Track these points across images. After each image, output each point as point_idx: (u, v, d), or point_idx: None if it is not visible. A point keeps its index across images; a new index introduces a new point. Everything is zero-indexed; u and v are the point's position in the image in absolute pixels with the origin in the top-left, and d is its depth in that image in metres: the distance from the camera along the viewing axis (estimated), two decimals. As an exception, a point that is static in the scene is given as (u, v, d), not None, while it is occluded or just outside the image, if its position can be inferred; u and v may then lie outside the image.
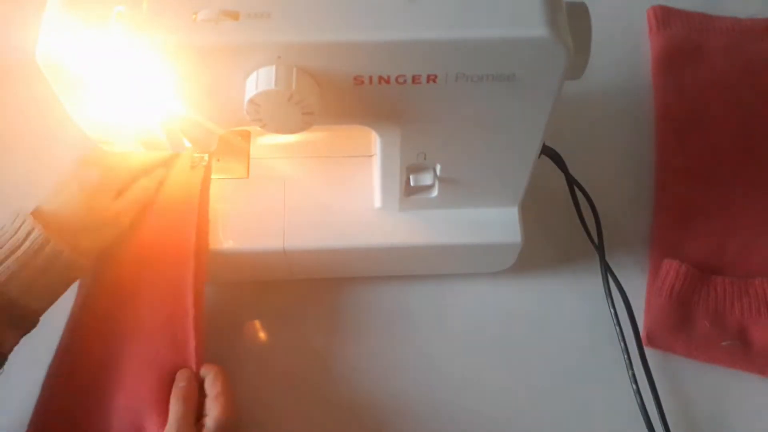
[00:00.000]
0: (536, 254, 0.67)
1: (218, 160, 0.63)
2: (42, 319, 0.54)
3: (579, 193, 0.67)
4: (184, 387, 0.54)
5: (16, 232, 0.52)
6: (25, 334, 0.53)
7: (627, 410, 0.61)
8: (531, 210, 0.63)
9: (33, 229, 0.52)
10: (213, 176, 0.62)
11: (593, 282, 0.66)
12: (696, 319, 0.63)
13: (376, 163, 0.58)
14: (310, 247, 0.60)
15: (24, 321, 0.53)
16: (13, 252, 0.51)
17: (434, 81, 0.45)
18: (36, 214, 0.54)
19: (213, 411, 0.53)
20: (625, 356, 0.62)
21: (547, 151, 0.63)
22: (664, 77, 0.76)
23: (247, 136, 0.64)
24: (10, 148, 0.73)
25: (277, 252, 0.60)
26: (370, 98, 0.47)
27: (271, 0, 0.43)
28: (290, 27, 0.43)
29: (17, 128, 0.74)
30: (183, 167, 0.61)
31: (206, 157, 0.61)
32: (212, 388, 0.55)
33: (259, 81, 0.43)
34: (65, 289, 0.55)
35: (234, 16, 0.43)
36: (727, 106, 0.74)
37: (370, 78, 0.45)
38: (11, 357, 0.53)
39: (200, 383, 0.56)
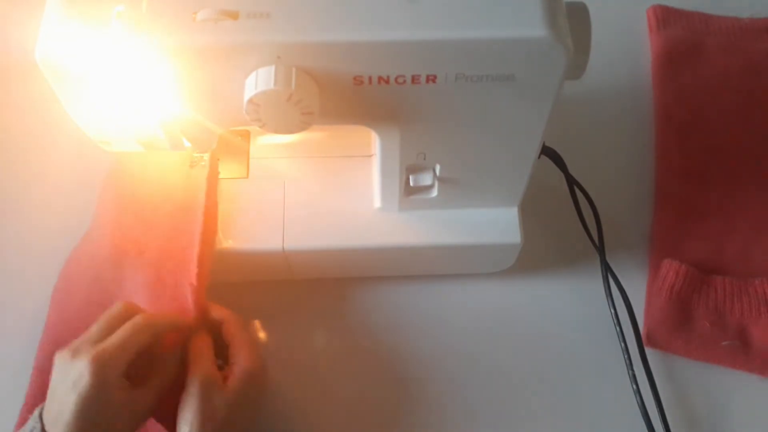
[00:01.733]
0: (536, 254, 0.67)
1: (218, 159, 0.63)
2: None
3: (579, 194, 0.67)
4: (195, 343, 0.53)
5: None
6: None
7: (627, 410, 0.61)
8: (531, 210, 0.63)
9: None
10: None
11: (593, 282, 0.66)
12: (696, 319, 0.63)
13: (376, 163, 0.58)
14: (309, 247, 0.60)
15: None
16: None
17: (434, 81, 0.45)
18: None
19: (240, 357, 0.52)
20: (626, 356, 0.62)
21: (547, 151, 0.63)
22: (664, 77, 0.75)
23: (247, 136, 0.64)
24: (10, 148, 0.73)
25: (277, 252, 0.60)
26: (369, 98, 0.47)
27: (271, 0, 0.43)
28: (290, 27, 0.43)
29: (17, 128, 0.74)
30: (182, 167, 0.61)
31: (206, 156, 0.61)
32: (231, 335, 0.53)
33: (259, 81, 0.43)
34: None
35: (233, 15, 0.43)
36: (727, 106, 0.74)
37: (370, 78, 0.45)
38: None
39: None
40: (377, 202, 0.61)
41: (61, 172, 0.70)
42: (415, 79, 0.45)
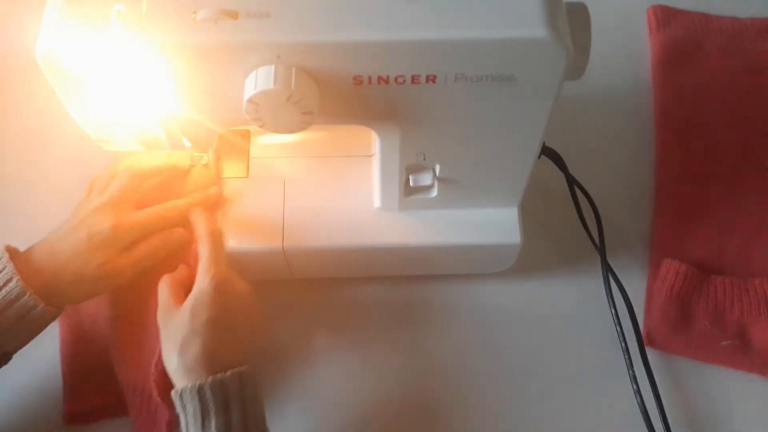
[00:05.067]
0: (537, 254, 0.67)
1: (218, 159, 0.63)
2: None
3: (579, 194, 0.67)
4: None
5: None
6: None
7: (627, 410, 0.61)
8: (531, 210, 0.63)
9: (11, 278, 0.51)
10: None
11: (593, 282, 0.66)
12: (696, 319, 0.63)
13: (376, 163, 0.58)
14: (309, 247, 0.60)
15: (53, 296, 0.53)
16: None
17: (433, 81, 0.45)
18: (26, 255, 0.53)
19: (199, 279, 0.54)
20: (626, 356, 0.62)
21: (547, 151, 0.63)
22: (664, 77, 0.75)
23: (247, 136, 0.64)
24: (10, 147, 0.73)
25: (277, 251, 0.60)
26: (369, 98, 0.47)
27: (271, 0, 0.43)
28: (289, 27, 0.43)
29: (17, 127, 0.74)
30: (182, 166, 0.61)
31: (205, 156, 0.62)
32: (202, 249, 0.56)
33: (258, 80, 0.43)
34: (41, 331, 0.54)
35: (233, 15, 0.43)
36: (727, 106, 0.74)
37: (369, 78, 0.45)
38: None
39: None
40: (377, 202, 0.61)
41: (62, 171, 0.70)
42: (415, 79, 0.45)
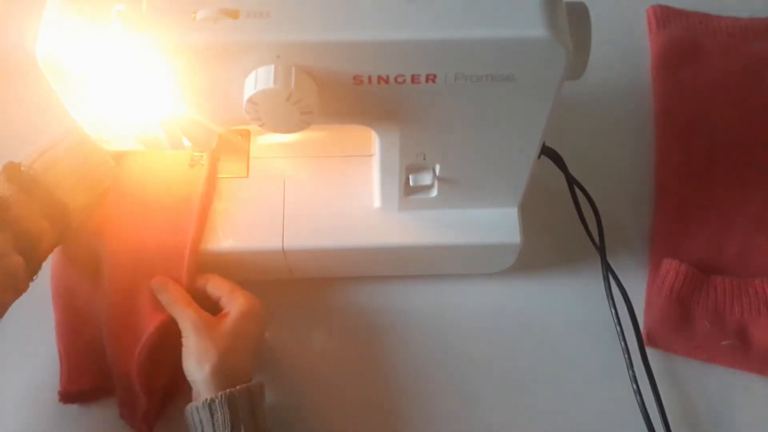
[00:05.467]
0: (537, 254, 0.67)
1: (218, 159, 0.63)
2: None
3: (579, 194, 0.67)
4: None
5: None
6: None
7: (627, 410, 0.61)
8: (531, 210, 0.63)
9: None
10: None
11: (593, 282, 0.66)
12: (696, 319, 0.63)
13: (376, 163, 0.58)
14: (308, 247, 0.60)
15: (58, 217, 0.55)
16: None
17: (433, 81, 0.45)
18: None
19: (235, 302, 0.57)
20: (626, 356, 0.62)
21: (547, 151, 0.63)
22: (664, 77, 0.75)
23: (247, 135, 0.64)
24: (11, 147, 0.73)
25: (276, 251, 0.60)
26: (369, 98, 0.47)
27: (271, -1, 0.43)
28: (289, 26, 0.43)
29: (18, 126, 0.74)
30: (182, 165, 0.61)
31: (206, 156, 0.62)
32: (220, 289, 0.58)
33: (258, 80, 0.43)
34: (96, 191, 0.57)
35: (233, 15, 0.43)
36: (727, 106, 0.74)
37: (369, 78, 0.45)
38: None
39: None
40: (377, 202, 0.61)
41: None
42: (414, 79, 0.45)
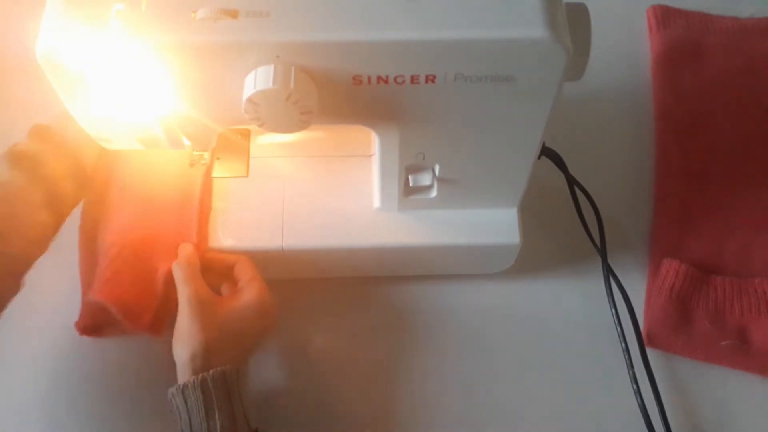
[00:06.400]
0: (537, 255, 0.67)
1: (218, 158, 0.63)
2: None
3: (579, 194, 0.67)
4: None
5: None
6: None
7: (628, 410, 0.61)
8: (531, 210, 0.63)
9: None
10: (213, 175, 0.62)
11: (593, 282, 0.66)
12: (696, 319, 0.63)
13: (375, 163, 0.58)
14: (308, 247, 0.60)
15: (81, 178, 0.57)
16: None
17: (433, 81, 0.45)
18: None
19: (250, 290, 0.56)
20: (626, 356, 0.62)
21: (547, 152, 0.63)
22: (664, 77, 0.75)
23: (247, 135, 0.64)
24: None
25: (276, 251, 0.60)
26: (368, 98, 0.47)
27: (270, -1, 0.43)
28: (289, 26, 0.43)
29: (18, 126, 0.74)
30: (182, 165, 0.61)
31: (206, 155, 0.62)
32: (245, 272, 0.57)
33: (258, 80, 0.43)
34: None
35: (233, 14, 0.43)
36: (727, 106, 0.74)
37: (369, 78, 0.45)
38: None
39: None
40: (377, 202, 0.61)
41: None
42: (414, 79, 0.45)
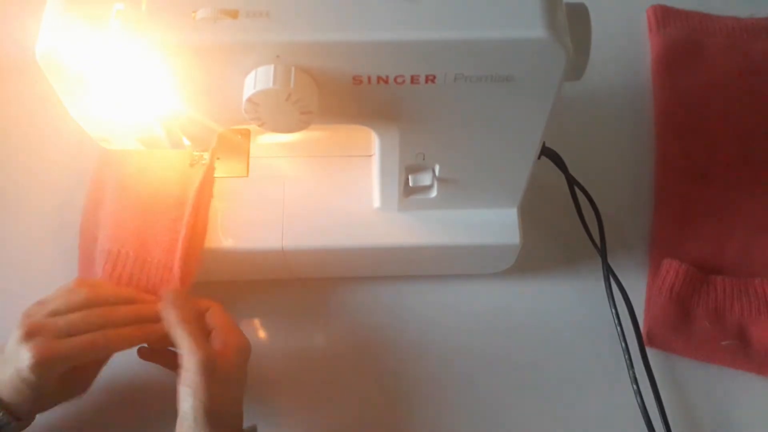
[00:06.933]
0: (537, 255, 0.67)
1: (218, 158, 0.63)
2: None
3: (579, 194, 0.67)
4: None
5: None
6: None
7: (627, 410, 0.61)
8: (531, 210, 0.63)
9: None
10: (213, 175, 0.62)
11: (593, 282, 0.66)
12: (696, 319, 0.63)
13: (375, 163, 0.58)
14: (308, 247, 0.60)
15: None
16: None
17: (433, 81, 0.45)
18: None
19: (235, 340, 0.54)
20: (626, 356, 0.62)
21: (547, 152, 0.63)
22: (664, 77, 0.75)
23: (247, 135, 0.64)
24: (11, 145, 0.73)
25: (276, 251, 0.60)
26: (368, 98, 0.47)
27: (270, -1, 0.43)
28: (289, 26, 0.43)
29: (18, 126, 0.74)
30: (182, 165, 0.61)
31: (206, 155, 0.62)
32: (218, 320, 0.55)
33: (258, 80, 0.43)
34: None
35: (233, 14, 0.43)
36: (727, 106, 0.74)
37: (369, 78, 0.45)
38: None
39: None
40: (376, 202, 0.61)
41: (61, 171, 0.70)
42: (414, 79, 0.45)
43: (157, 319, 0.54)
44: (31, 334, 0.49)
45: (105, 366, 0.56)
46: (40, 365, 0.48)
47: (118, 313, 0.54)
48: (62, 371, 0.50)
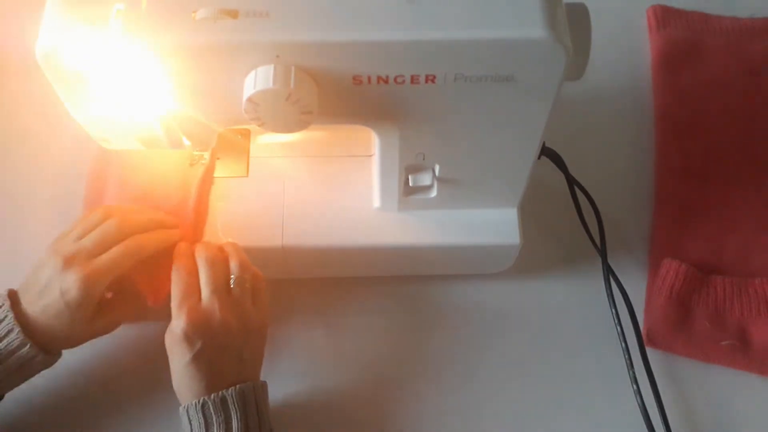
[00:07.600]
0: (537, 255, 0.67)
1: (218, 158, 0.63)
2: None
3: (579, 194, 0.67)
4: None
5: None
6: None
7: (628, 410, 0.61)
8: (531, 210, 0.63)
9: (12, 329, 0.51)
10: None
11: (593, 282, 0.66)
12: (696, 319, 0.63)
13: (375, 163, 0.58)
14: (308, 246, 0.60)
15: None
16: None
17: (433, 81, 0.45)
18: (18, 312, 0.52)
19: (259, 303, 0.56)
20: (626, 356, 0.62)
21: (547, 152, 0.63)
22: (664, 77, 0.75)
23: (247, 135, 0.64)
24: (11, 146, 0.73)
25: (276, 251, 0.60)
26: (368, 98, 0.47)
27: (270, -1, 0.43)
28: (289, 26, 0.43)
29: (18, 126, 0.74)
30: (182, 165, 0.61)
31: (206, 155, 0.62)
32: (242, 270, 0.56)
33: (258, 80, 0.43)
34: (38, 373, 0.55)
35: (233, 14, 0.43)
36: (727, 106, 0.74)
37: (369, 78, 0.45)
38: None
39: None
40: (376, 202, 0.61)
41: (61, 170, 0.70)
42: (414, 79, 0.45)
43: (174, 225, 0.58)
44: (69, 261, 0.52)
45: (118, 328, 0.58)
46: (86, 282, 0.51)
47: (137, 219, 0.56)
48: (103, 290, 0.53)
